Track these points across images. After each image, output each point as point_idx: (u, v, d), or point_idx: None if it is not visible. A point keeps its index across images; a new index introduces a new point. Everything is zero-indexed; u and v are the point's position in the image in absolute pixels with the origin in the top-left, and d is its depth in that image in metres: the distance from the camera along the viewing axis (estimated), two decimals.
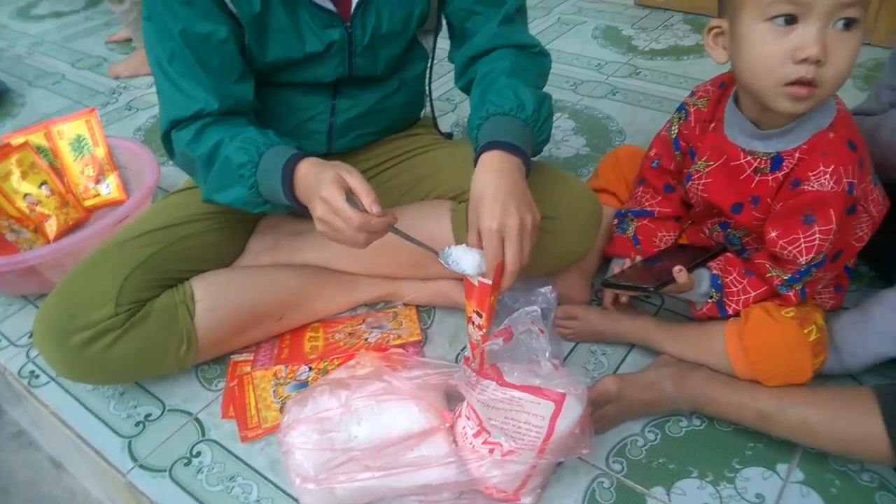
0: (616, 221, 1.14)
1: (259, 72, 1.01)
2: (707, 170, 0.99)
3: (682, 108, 1.05)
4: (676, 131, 1.06)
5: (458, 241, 1.07)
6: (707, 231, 1.07)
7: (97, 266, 1.00)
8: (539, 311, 1.08)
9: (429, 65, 1.18)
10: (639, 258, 1.05)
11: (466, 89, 1.10)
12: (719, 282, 0.96)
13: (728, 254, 1.00)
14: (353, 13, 0.99)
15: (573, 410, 0.85)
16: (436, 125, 1.30)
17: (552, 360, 0.94)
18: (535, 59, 1.06)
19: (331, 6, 0.97)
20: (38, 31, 2.67)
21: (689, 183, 1.02)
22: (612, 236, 1.15)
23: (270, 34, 0.97)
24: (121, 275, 0.98)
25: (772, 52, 0.80)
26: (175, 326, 1.00)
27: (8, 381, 1.19)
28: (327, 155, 1.13)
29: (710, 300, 0.96)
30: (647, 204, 1.11)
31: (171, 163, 1.65)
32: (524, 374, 0.87)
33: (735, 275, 0.95)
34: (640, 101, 1.80)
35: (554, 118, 1.74)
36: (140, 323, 0.97)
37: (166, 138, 0.99)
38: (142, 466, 0.99)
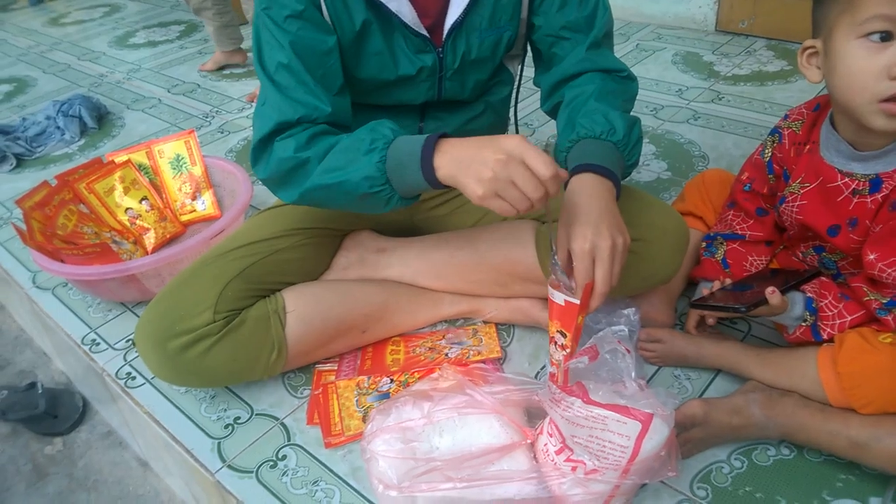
0: (704, 245, 1.13)
1: (352, 90, 1.04)
2: (802, 192, 0.97)
3: (775, 131, 1.04)
4: (770, 154, 1.05)
5: (541, 262, 1.08)
6: (800, 255, 1.05)
7: (197, 276, 1.05)
8: (626, 330, 1.07)
9: (514, 88, 1.20)
10: (728, 281, 1.03)
11: (552, 113, 1.12)
12: (814, 305, 0.93)
13: (822, 278, 0.97)
14: (444, 39, 1.02)
15: (660, 432, 0.84)
16: None
17: (638, 380, 0.93)
18: (623, 83, 1.07)
19: (425, 32, 1.00)
20: (136, 59, 2.84)
21: (784, 205, 1.00)
22: (698, 259, 1.13)
23: (366, 56, 1.01)
24: (219, 284, 1.02)
25: (867, 68, 0.79)
26: (267, 335, 1.04)
27: (105, 382, 1.26)
28: None
29: (803, 324, 0.94)
30: (737, 227, 1.09)
31: (261, 184, 1.75)
32: (609, 393, 0.87)
33: (830, 298, 0.93)
34: (723, 126, 1.77)
35: None
36: (235, 330, 1.02)
37: (264, 143, 0.97)
38: (230, 467, 1.02)
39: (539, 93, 1.16)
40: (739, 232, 1.09)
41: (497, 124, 1.23)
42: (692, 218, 1.20)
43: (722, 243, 1.11)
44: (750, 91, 1.94)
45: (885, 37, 0.78)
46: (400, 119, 1.10)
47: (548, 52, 1.11)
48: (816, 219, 0.95)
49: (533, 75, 1.16)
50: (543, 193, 0.78)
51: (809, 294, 0.94)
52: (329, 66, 0.97)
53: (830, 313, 0.92)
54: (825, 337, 0.93)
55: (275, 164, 0.97)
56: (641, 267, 1.02)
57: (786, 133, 1.02)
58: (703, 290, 1.06)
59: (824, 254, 1.01)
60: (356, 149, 0.90)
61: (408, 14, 0.98)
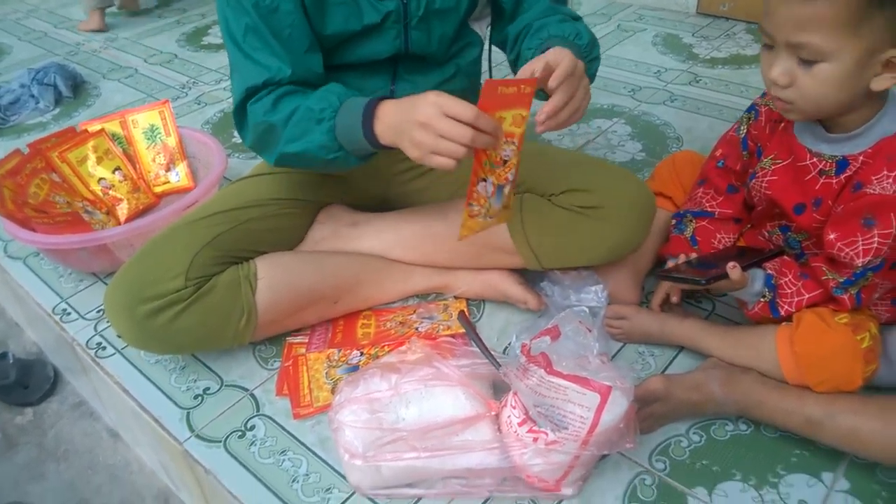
0: (674, 222, 1.15)
1: (322, 51, 1.05)
2: (773, 167, 0.99)
3: (752, 108, 1.06)
4: (745, 131, 1.07)
5: (513, 235, 1.09)
6: (766, 234, 1.07)
7: (168, 243, 1.06)
8: (587, 310, 1.10)
9: (484, 50, 1.21)
10: (694, 255, 1.05)
11: (517, 61, 1.13)
12: (773, 282, 0.96)
13: (785, 257, 0.99)
14: None
15: (618, 404, 0.86)
16: None
17: (600, 356, 0.95)
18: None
19: None
20: (113, 28, 2.79)
21: (754, 180, 1.02)
22: (668, 238, 1.15)
23: (329, 7, 1.02)
24: (191, 251, 1.03)
25: (763, 70, 0.90)
26: (237, 300, 1.05)
27: (76, 352, 1.26)
28: None
29: (762, 300, 0.96)
30: (707, 205, 1.11)
31: (237, 156, 1.74)
32: (572, 366, 0.89)
33: (790, 277, 0.95)
34: (699, 108, 1.79)
35: (611, 122, 1.75)
36: (206, 295, 1.03)
37: (240, 111, 1.03)
38: (198, 437, 1.03)
39: None
40: (709, 209, 1.11)
41: (469, 89, 1.23)
42: (662, 198, 1.21)
43: (691, 220, 1.12)
44: (727, 74, 1.96)
45: (769, 46, 0.88)
46: (372, 81, 1.11)
47: (512, 8, 1.14)
48: (784, 195, 0.97)
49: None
50: (472, 134, 0.81)
51: (770, 271, 0.97)
52: (293, 26, 0.99)
53: (789, 290, 0.95)
54: (783, 313, 0.95)
55: (251, 129, 1.02)
56: (606, 234, 1.05)
57: (763, 110, 1.04)
58: (669, 263, 1.09)
59: (789, 233, 1.03)
60: (309, 118, 0.95)
61: None
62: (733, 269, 0.91)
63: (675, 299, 1.10)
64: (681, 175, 1.22)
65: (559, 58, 0.85)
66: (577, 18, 1.11)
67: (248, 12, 0.98)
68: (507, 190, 0.91)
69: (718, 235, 1.11)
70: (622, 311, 1.12)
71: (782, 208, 0.99)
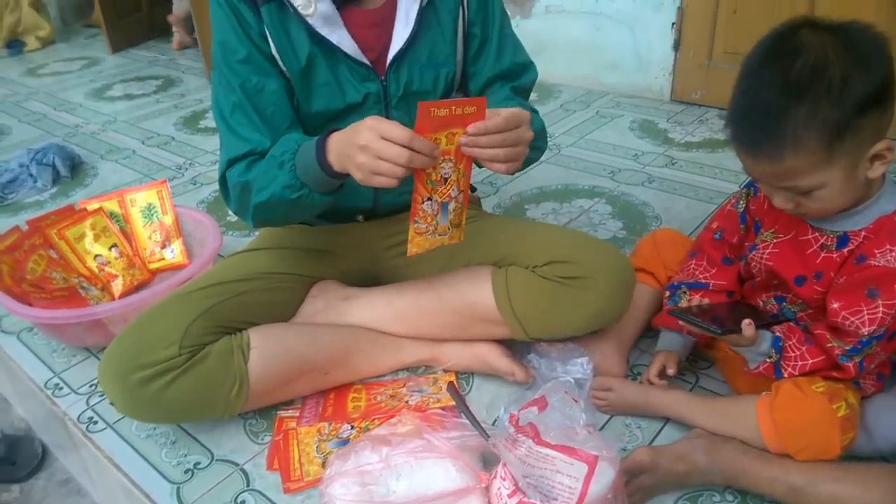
0: (668, 294, 1.18)
1: (306, 125, 1.13)
2: (775, 241, 1.04)
3: (750, 184, 1.11)
4: (744, 206, 1.11)
5: (499, 305, 1.13)
6: (761, 304, 1.10)
7: (164, 312, 1.09)
8: (572, 381, 1.12)
9: None
10: (706, 301, 1.08)
11: None
12: (780, 344, 0.99)
13: (789, 323, 1.03)
14: (387, 69, 1.11)
15: (605, 474, 0.88)
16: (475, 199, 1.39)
17: (587, 426, 0.98)
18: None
19: (366, 61, 1.10)
20: (112, 111, 2.89)
21: (754, 252, 1.06)
22: (656, 311, 1.18)
23: (315, 87, 1.10)
24: (186, 320, 1.06)
25: (764, 191, 0.99)
26: (230, 369, 1.07)
27: (66, 427, 1.26)
28: (373, 212, 1.25)
29: (768, 360, 0.99)
30: (700, 276, 1.15)
31: (231, 233, 1.79)
32: (560, 436, 0.91)
33: (795, 340, 0.98)
34: (675, 189, 1.87)
35: (592, 202, 1.82)
36: (199, 363, 1.05)
37: (223, 179, 1.10)
38: None
39: None
40: (703, 280, 1.15)
41: None
42: (644, 273, 1.26)
43: (685, 292, 1.15)
44: (701, 157, 2.06)
45: None
46: None
47: (477, 93, 1.23)
48: (786, 267, 1.02)
49: None
50: (408, 155, 0.87)
51: (778, 333, 1.00)
52: (276, 104, 1.08)
53: (794, 354, 0.98)
54: (786, 375, 0.98)
55: (232, 193, 1.10)
56: (588, 303, 1.10)
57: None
58: (682, 303, 1.11)
59: (784, 304, 1.07)
60: (272, 165, 1.03)
61: (348, 45, 1.08)
62: (748, 327, 0.95)
63: (671, 372, 1.12)
64: (661, 252, 1.27)
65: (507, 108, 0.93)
66: (534, 111, 1.18)
67: (236, 91, 1.07)
68: (451, 207, 0.97)
69: None
70: (607, 383, 1.15)
71: (783, 279, 1.03)
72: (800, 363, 0.97)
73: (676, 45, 2.43)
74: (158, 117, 2.76)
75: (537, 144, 1.12)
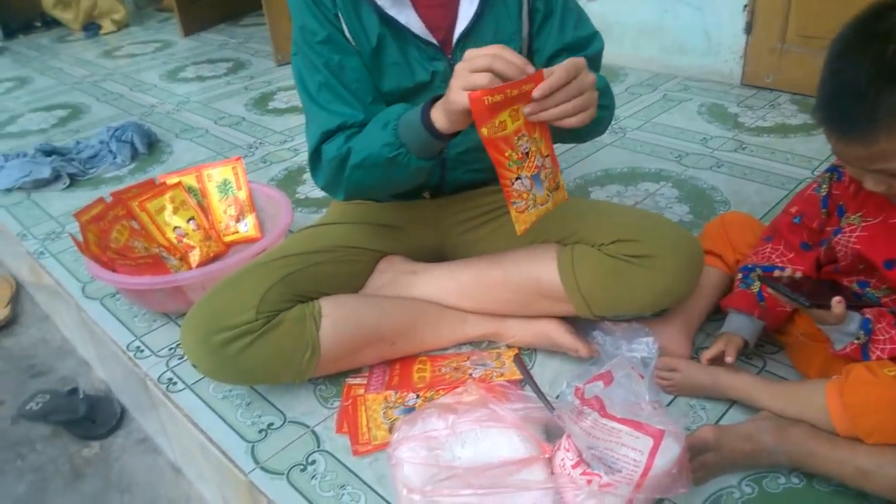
0: (740, 276, 1.17)
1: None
2: (863, 224, 1.02)
3: (834, 169, 1.10)
4: (826, 191, 1.10)
5: (565, 282, 1.14)
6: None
7: (242, 280, 1.15)
8: (639, 357, 1.13)
9: None
10: (799, 273, 1.06)
11: None
12: (870, 326, 0.97)
13: (879, 307, 1.01)
14: (454, 48, 1.14)
15: (671, 449, 0.89)
16: None
17: (652, 402, 0.98)
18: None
19: (434, 41, 1.12)
20: (185, 92, 2.99)
21: (839, 236, 1.05)
22: (726, 292, 1.17)
23: (385, 67, 1.13)
24: (262, 287, 1.11)
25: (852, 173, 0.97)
26: (302, 336, 1.12)
27: (146, 387, 1.33)
28: (439, 189, 1.27)
29: (856, 341, 0.98)
30: (777, 260, 1.13)
31: (299, 210, 1.84)
32: (625, 411, 0.92)
33: (885, 324, 0.97)
34: (745, 174, 1.84)
35: (658, 185, 1.80)
36: (274, 329, 1.10)
37: (315, 153, 1.13)
38: (262, 469, 1.08)
39: None
40: (779, 264, 1.13)
41: None
42: (712, 256, 1.25)
43: (759, 275, 1.13)
44: (773, 142, 2.01)
45: None
46: None
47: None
48: (875, 251, 1.00)
49: None
50: (494, 51, 0.89)
51: (868, 315, 0.98)
52: (359, 80, 1.11)
53: (882, 337, 0.96)
54: (873, 358, 0.96)
55: (325, 167, 1.12)
56: (654, 281, 1.10)
57: (846, 171, 1.07)
58: (775, 272, 1.09)
59: (868, 288, 1.05)
60: (375, 128, 1.06)
61: (416, 25, 1.11)
62: (839, 304, 0.94)
63: (729, 359, 1.10)
64: (730, 234, 1.26)
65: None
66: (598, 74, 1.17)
67: (320, 70, 1.11)
68: (542, 175, 0.97)
69: None
70: (673, 363, 1.15)
71: (871, 263, 1.01)
72: (888, 346, 0.96)
73: (748, 28, 2.37)
74: (229, 98, 2.85)
75: (604, 103, 1.10)
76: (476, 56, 0.90)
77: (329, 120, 1.10)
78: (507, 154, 0.92)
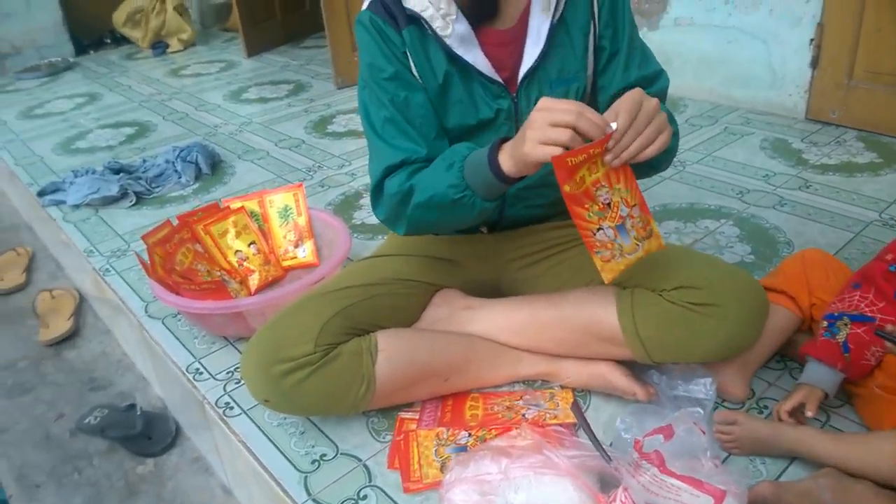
0: (825, 324, 1.12)
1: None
2: None
3: None
4: None
5: (624, 327, 1.13)
6: None
7: (302, 311, 1.17)
8: (701, 412, 1.10)
9: None
10: None
11: None
12: None
13: None
14: (518, 86, 1.14)
15: None
16: None
17: (713, 459, 0.96)
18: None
19: (499, 79, 1.13)
20: (247, 113, 3.07)
21: None
22: (815, 338, 1.14)
23: (451, 104, 1.15)
24: (321, 319, 1.13)
25: None
26: (359, 369, 1.13)
27: (203, 409, 1.36)
28: (497, 224, 1.28)
29: None
30: (866, 309, 1.09)
31: (356, 236, 1.87)
32: (685, 467, 0.90)
33: None
34: (809, 214, 1.79)
35: (719, 223, 1.77)
36: (331, 362, 1.11)
37: (378, 188, 1.14)
38: (314, 500, 1.09)
39: None
40: (868, 313, 1.09)
41: None
42: (782, 295, 1.20)
43: (847, 324, 1.10)
44: (838, 181, 1.95)
45: None
46: None
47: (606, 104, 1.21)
48: None
49: None
50: (577, 111, 0.89)
51: None
52: (424, 116, 1.13)
53: None
54: None
55: (387, 201, 1.13)
56: (718, 332, 1.08)
57: None
58: (840, 336, 1.07)
59: None
60: (440, 168, 1.07)
61: (482, 64, 1.12)
62: None
63: (810, 413, 1.06)
64: (809, 276, 1.21)
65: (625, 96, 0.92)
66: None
67: (386, 105, 1.12)
68: (629, 224, 0.97)
69: (873, 348, 1.07)
70: (732, 417, 1.11)
71: None
72: None
73: (815, 62, 2.31)
74: (290, 121, 2.91)
75: (673, 129, 1.09)
76: (557, 109, 0.91)
77: (393, 155, 1.12)
78: (587, 206, 0.94)
